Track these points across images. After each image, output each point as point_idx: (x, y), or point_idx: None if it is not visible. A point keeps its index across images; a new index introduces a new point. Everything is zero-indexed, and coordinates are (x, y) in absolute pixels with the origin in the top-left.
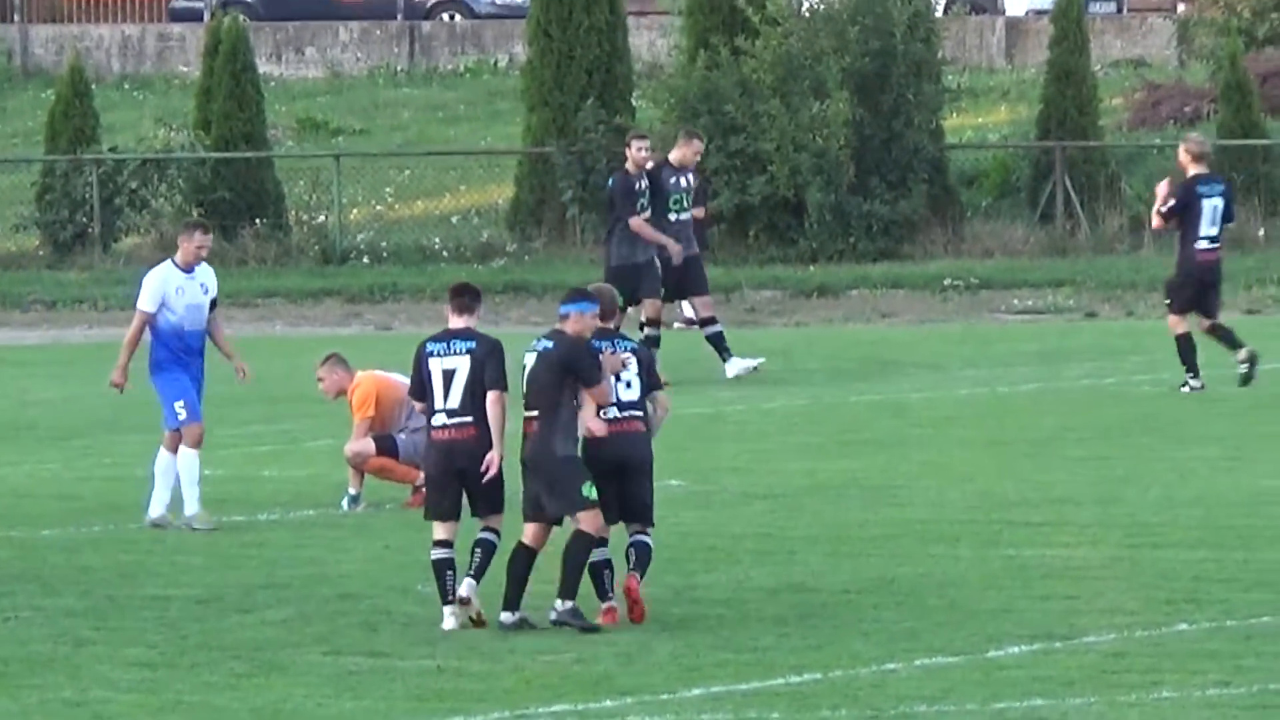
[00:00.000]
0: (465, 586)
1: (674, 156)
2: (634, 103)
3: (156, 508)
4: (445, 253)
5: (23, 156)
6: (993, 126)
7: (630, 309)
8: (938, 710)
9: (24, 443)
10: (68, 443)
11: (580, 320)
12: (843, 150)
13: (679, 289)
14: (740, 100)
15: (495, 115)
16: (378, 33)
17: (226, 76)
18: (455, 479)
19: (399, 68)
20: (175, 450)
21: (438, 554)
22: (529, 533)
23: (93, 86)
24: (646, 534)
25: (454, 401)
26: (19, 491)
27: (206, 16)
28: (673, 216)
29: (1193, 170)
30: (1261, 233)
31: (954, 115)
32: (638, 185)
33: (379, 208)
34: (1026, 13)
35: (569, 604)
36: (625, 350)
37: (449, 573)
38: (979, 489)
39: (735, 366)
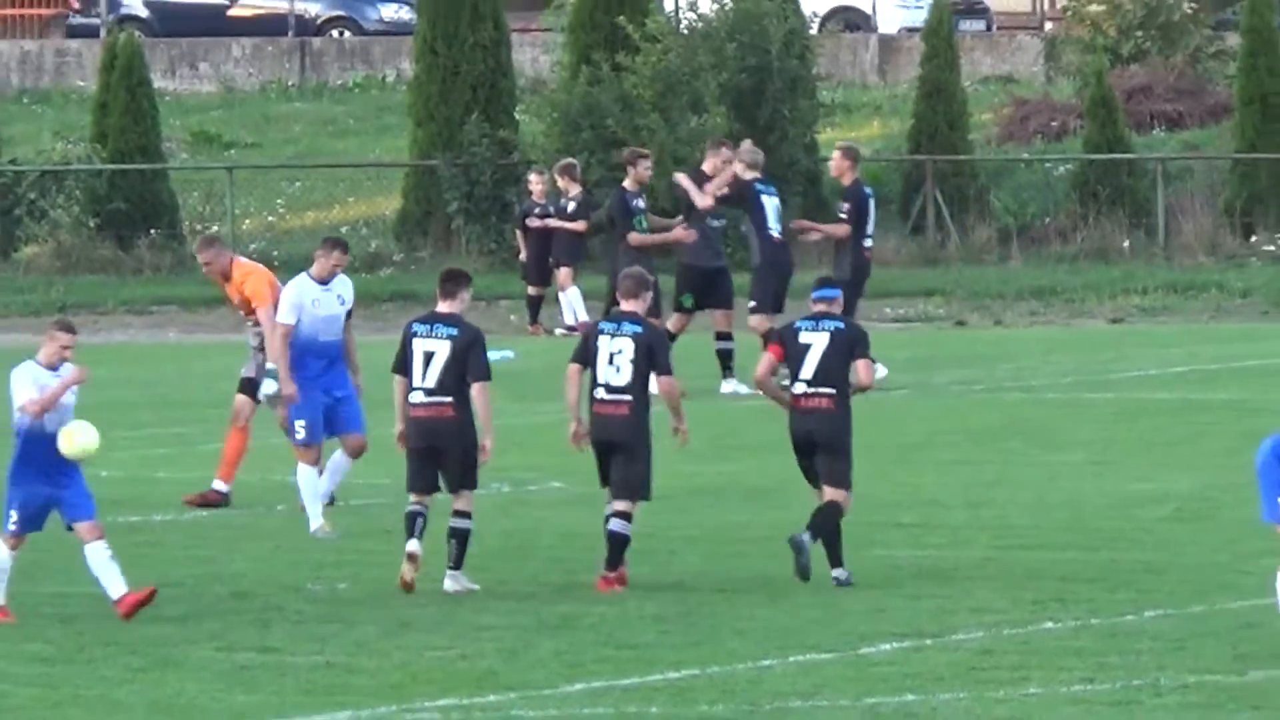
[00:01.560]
0: (450, 580)
1: (706, 167)
2: (518, 117)
3: (315, 520)
4: None
5: None
6: (866, 140)
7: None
8: (812, 705)
9: None
10: None
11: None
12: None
13: (703, 300)
14: (621, 115)
15: (383, 129)
16: (269, 49)
17: (122, 91)
18: (430, 455)
19: (290, 83)
20: (314, 464)
21: (412, 508)
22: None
23: None
24: (628, 516)
25: (431, 381)
26: None
27: (103, 33)
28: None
29: (749, 175)
30: (1126, 244)
31: (828, 130)
32: (634, 203)
33: (271, 218)
34: (899, 30)
35: (843, 571)
36: (626, 334)
37: (419, 520)
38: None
39: (730, 386)
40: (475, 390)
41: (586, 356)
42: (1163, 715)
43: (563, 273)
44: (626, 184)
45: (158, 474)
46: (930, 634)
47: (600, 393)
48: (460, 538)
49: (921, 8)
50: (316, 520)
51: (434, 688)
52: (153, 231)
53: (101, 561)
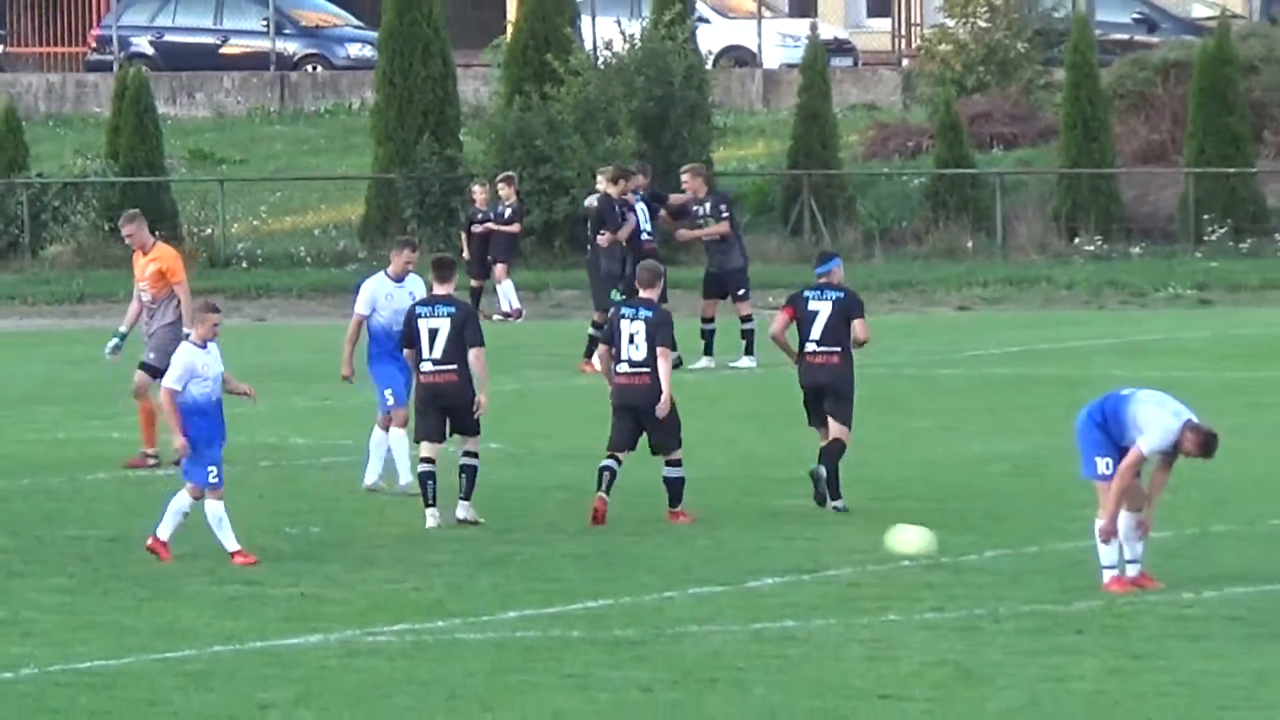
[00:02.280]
0: (461, 509)
1: (691, 187)
2: (462, 138)
3: (371, 476)
4: (309, 258)
5: None
6: (752, 158)
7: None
8: (707, 630)
9: None
10: (1, 412)
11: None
12: None
13: (721, 292)
14: (548, 136)
15: (349, 148)
16: (254, 80)
17: (132, 116)
18: (440, 411)
19: (272, 109)
20: (386, 429)
21: (424, 468)
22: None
23: (23, 124)
24: (677, 464)
25: (438, 353)
26: None
27: (115, 68)
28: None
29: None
30: (970, 245)
31: (721, 149)
32: (616, 209)
33: (255, 222)
34: (780, 65)
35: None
36: (640, 317)
37: (430, 482)
38: (741, 451)
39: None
40: (473, 355)
41: (611, 338)
42: (1000, 639)
43: (499, 268)
44: (611, 193)
45: (162, 436)
46: (806, 570)
47: (624, 367)
48: (470, 472)
49: (799, 46)
50: (405, 477)
51: (391, 615)
52: (156, 233)
53: (183, 510)
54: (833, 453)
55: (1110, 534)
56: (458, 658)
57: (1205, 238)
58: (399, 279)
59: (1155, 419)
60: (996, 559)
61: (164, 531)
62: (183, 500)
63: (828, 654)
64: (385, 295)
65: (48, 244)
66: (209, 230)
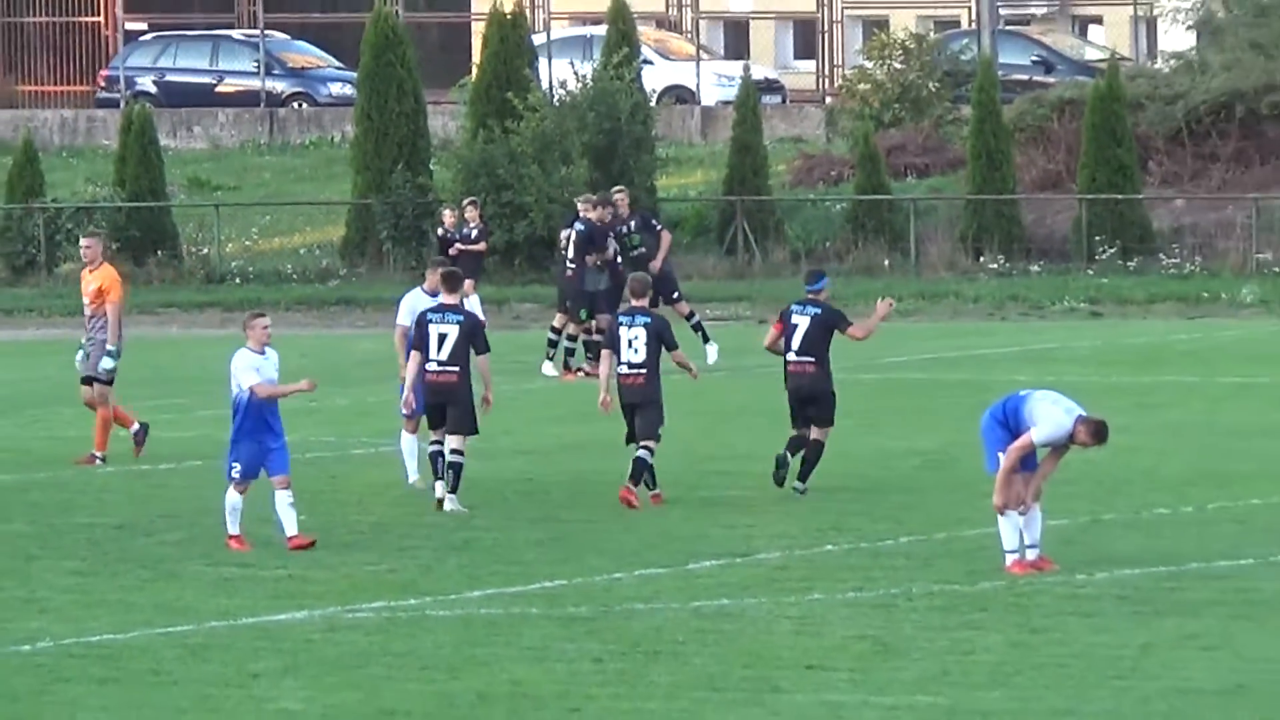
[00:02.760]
0: (448, 501)
1: (623, 213)
2: (432, 168)
3: (413, 474)
4: (295, 275)
5: None
6: (691, 185)
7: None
8: (651, 607)
9: None
10: (20, 412)
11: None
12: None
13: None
14: (508, 166)
15: (331, 176)
16: (246, 116)
17: (136, 148)
18: (441, 407)
19: (261, 142)
20: (415, 431)
21: (433, 449)
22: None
23: (39, 155)
24: (649, 448)
25: (444, 355)
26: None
27: (122, 104)
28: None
29: (594, 214)
30: (887, 263)
31: (664, 177)
32: (597, 231)
33: (247, 243)
34: (716, 102)
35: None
36: (639, 324)
37: (440, 459)
38: (681, 448)
39: (550, 369)
40: (480, 360)
41: (612, 344)
42: (914, 615)
43: (467, 284)
44: (593, 218)
45: (163, 434)
46: (740, 554)
47: (623, 369)
48: (456, 469)
49: (733, 85)
50: (415, 474)
51: (369, 594)
52: (159, 252)
53: (284, 506)
54: (812, 449)
55: (1002, 508)
56: (428, 632)
57: (1096, 257)
58: (433, 293)
59: (1048, 414)
60: (910, 544)
61: (290, 527)
62: (281, 497)
63: (759, 629)
64: (420, 307)
65: (62, 262)
66: (205, 250)
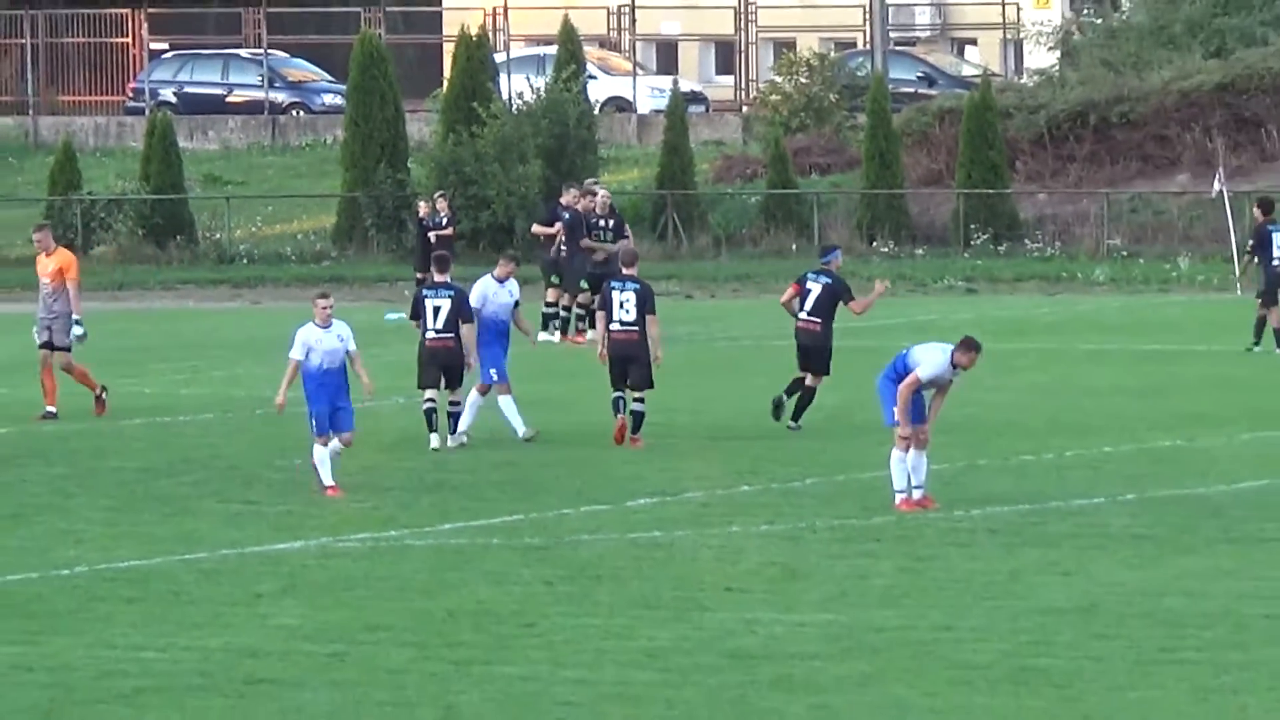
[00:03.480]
0: (452, 439)
1: (597, 204)
2: (409, 166)
3: (464, 424)
4: (293, 256)
5: (34, 197)
6: (629, 181)
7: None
8: (595, 538)
9: (29, 373)
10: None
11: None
12: (536, 196)
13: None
14: (474, 165)
15: (324, 173)
16: (252, 122)
17: (159, 149)
18: (439, 369)
19: (265, 144)
20: (483, 395)
21: (427, 405)
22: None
23: (77, 154)
24: (642, 400)
25: (440, 324)
26: (29, 402)
27: (147, 112)
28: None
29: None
30: (795, 247)
31: (605, 174)
32: (581, 218)
33: (253, 229)
34: (650, 111)
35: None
36: (629, 289)
37: (433, 414)
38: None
39: (544, 335)
40: (465, 329)
41: (605, 304)
42: (817, 545)
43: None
44: (579, 207)
45: (181, 391)
46: (669, 493)
47: (616, 327)
48: (455, 417)
49: (664, 97)
50: (521, 428)
51: (355, 526)
52: (178, 237)
53: (326, 458)
54: (807, 394)
55: (906, 441)
56: (406, 559)
57: (972, 242)
58: (502, 281)
59: (928, 356)
60: (814, 484)
61: (326, 477)
62: (321, 452)
63: (686, 557)
64: (492, 293)
65: (96, 245)
66: (218, 235)
